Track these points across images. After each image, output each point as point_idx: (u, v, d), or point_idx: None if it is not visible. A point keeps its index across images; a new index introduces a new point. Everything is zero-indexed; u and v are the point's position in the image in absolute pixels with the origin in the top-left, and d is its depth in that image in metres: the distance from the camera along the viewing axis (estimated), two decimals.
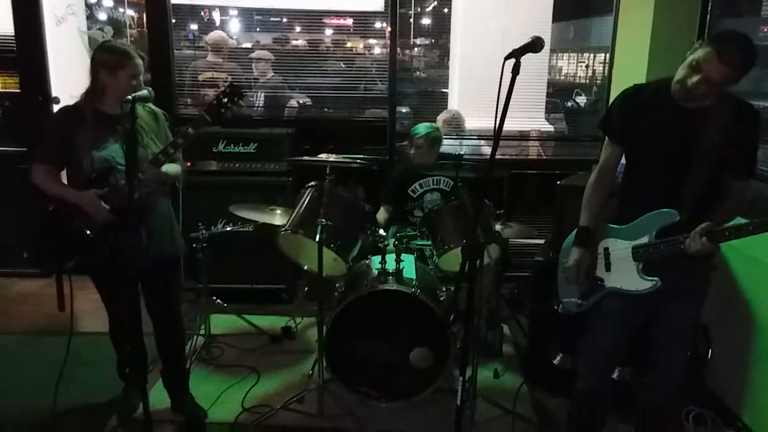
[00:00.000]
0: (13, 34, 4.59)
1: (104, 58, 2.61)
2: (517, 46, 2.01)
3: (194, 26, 5.25)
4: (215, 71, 4.97)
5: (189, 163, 2.84)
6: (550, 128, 5.35)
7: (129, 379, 3.07)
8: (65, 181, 2.71)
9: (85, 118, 2.61)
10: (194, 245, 3.54)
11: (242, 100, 2.59)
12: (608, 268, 2.46)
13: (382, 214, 3.93)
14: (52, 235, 2.64)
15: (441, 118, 4.89)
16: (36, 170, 2.65)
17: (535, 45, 2.02)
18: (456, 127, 4.92)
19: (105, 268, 2.64)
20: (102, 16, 5.87)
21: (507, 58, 1.98)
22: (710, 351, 3.08)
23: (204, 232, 3.61)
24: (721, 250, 3.04)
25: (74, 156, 2.60)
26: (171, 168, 2.76)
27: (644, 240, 2.33)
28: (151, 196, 2.69)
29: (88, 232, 2.58)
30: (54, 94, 4.70)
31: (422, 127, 3.93)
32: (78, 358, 2.88)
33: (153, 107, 2.82)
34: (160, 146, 2.67)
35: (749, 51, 2.09)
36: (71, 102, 2.75)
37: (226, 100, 2.53)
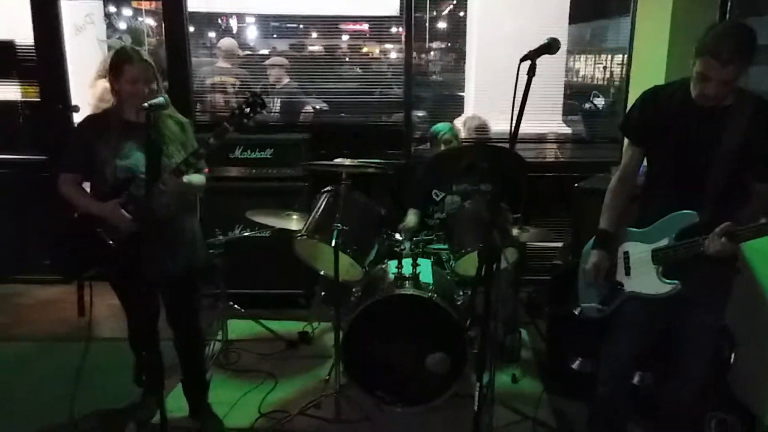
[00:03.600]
0: (32, 44, 4.66)
1: (110, 64, 2.63)
2: (532, 48, 2.00)
3: (212, 34, 5.30)
4: (224, 76, 5.01)
5: (207, 169, 2.85)
6: (568, 130, 5.30)
7: (146, 385, 3.08)
8: (89, 189, 2.72)
9: (109, 125, 2.63)
10: (211, 251, 3.55)
11: (264, 110, 2.59)
12: (628, 273, 2.43)
13: (412, 219, 3.81)
14: (75, 243, 2.66)
15: (468, 124, 4.91)
16: (62, 180, 2.67)
17: (550, 46, 2.00)
18: (483, 133, 4.92)
19: (126, 277, 2.65)
20: (121, 25, 5.94)
21: (522, 60, 1.97)
22: (733, 355, 3.01)
23: (221, 237, 3.63)
24: (745, 254, 2.99)
25: (97, 164, 2.61)
26: (195, 178, 2.75)
27: (664, 242, 2.30)
28: (173, 206, 2.68)
29: (110, 242, 2.60)
30: (73, 102, 4.76)
31: (442, 125, 3.94)
32: (97, 363, 2.89)
33: (179, 116, 2.82)
34: (184, 155, 2.67)
35: (742, 37, 2.06)
36: (90, 111, 2.78)
37: (248, 109, 2.53)
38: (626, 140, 2.51)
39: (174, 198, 2.64)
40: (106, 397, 3.25)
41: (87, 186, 2.73)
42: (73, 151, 2.68)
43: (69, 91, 4.75)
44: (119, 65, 2.58)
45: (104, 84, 2.67)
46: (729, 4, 3.77)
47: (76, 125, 3.00)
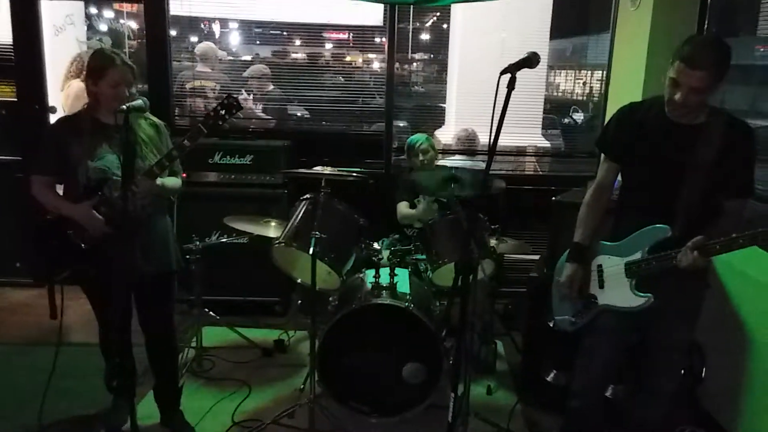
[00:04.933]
0: (11, 43, 4.59)
1: (90, 65, 2.61)
2: (516, 62, 2.03)
3: (194, 38, 5.27)
4: (203, 80, 4.99)
5: (185, 174, 2.83)
6: (547, 144, 5.36)
7: (117, 391, 3.03)
8: (61, 191, 2.69)
9: (83, 127, 2.60)
10: (188, 256, 3.52)
11: (240, 112, 2.58)
12: (601, 285, 2.46)
13: (404, 208, 3.94)
14: (47, 245, 2.63)
15: (458, 135, 4.96)
16: (35, 182, 2.64)
17: (530, 61, 2.04)
18: (472, 144, 4.96)
19: (98, 280, 2.62)
20: (101, 27, 5.89)
21: (503, 73, 1.99)
22: (703, 369, 3.06)
23: (198, 243, 3.59)
24: (715, 268, 3.03)
25: (70, 166, 2.58)
26: (169, 181, 2.74)
27: (637, 256, 2.33)
28: (146, 208, 2.66)
29: (82, 244, 2.57)
30: (51, 103, 4.70)
31: (419, 136, 4.04)
32: (68, 368, 2.85)
33: (154, 119, 2.80)
34: (159, 158, 2.64)
35: (716, 48, 2.12)
36: (63, 112, 2.75)
37: (223, 111, 2.52)
38: (602, 155, 2.55)
39: (147, 200, 2.63)
40: (77, 403, 3.20)
41: (60, 188, 2.70)
42: (46, 153, 2.65)
43: (46, 91, 4.68)
44: (101, 68, 2.56)
45: (78, 85, 2.64)
46: (707, 23, 3.84)
47: (49, 127, 2.96)
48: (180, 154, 2.57)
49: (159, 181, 2.61)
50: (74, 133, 2.60)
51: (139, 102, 2.44)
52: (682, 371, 2.57)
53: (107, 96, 2.56)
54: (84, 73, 2.68)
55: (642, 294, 2.32)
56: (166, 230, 2.86)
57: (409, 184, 3.92)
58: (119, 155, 2.55)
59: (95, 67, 2.58)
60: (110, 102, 2.55)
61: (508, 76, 1.98)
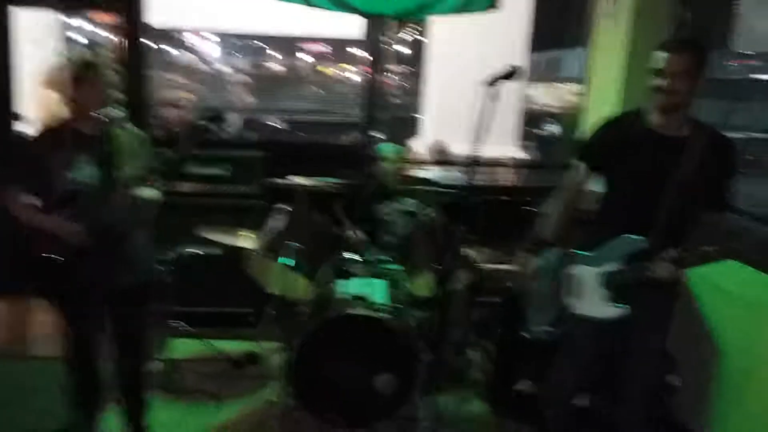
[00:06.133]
0: None
1: (66, 74, 2.57)
2: (494, 74, 2.04)
3: (172, 49, 5.26)
4: (183, 91, 4.96)
5: (158, 182, 2.79)
6: (523, 155, 5.40)
7: (83, 407, 2.96)
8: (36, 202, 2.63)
9: (60, 137, 2.55)
10: (160, 267, 3.46)
11: (222, 125, 2.57)
12: (577, 295, 2.45)
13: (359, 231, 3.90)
14: (13, 257, 2.57)
15: (430, 148, 4.96)
16: (9, 193, 2.57)
17: (512, 74, 2.06)
18: (442, 154, 4.98)
19: (69, 292, 2.56)
20: (79, 38, 5.85)
21: (485, 85, 2.01)
22: (676, 379, 3.06)
23: (171, 253, 3.54)
24: (688, 280, 3.05)
25: (46, 176, 2.52)
26: (147, 192, 2.69)
27: (612, 266, 2.33)
28: (123, 219, 2.61)
29: (55, 256, 2.51)
30: (17, 111, 4.59)
31: (385, 145, 4.00)
32: (31, 383, 2.77)
33: (135, 130, 2.77)
34: (139, 169, 2.61)
35: (692, 38, 2.28)
36: (37, 122, 2.71)
37: (208, 126, 2.50)
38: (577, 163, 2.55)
39: (125, 212, 2.59)
40: (40, 419, 3.10)
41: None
42: (21, 164, 2.60)
43: (10, 97, 4.58)
44: (75, 76, 2.52)
45: (51, 94, 2.60)
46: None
47: (26, 137, 2.92)
48: (160, 167, 2.53)
49: (137, 192, 2.57)
50: (51, 142, 2.55)
51: (118, 112, 2.41)
52: (656, 382, 2.56)
53: (82, 104, 2.53)
54: (60, 82, 2.64)
55: (617, 305, 2.32)
56: (143, 243, 2.81)
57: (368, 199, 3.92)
58: (97, 166, 2.52)
59: (70, 76, 2.54)
60: (85, 110, 2.52)
61: (488, 87, 2.00)
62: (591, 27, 4.57)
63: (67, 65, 2.61)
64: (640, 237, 2.26)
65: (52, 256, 2.51)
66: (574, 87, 5.19)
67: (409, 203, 3.90)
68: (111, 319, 2.77)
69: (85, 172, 2.54)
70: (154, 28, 4.72)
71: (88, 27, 5.93)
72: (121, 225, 2.59)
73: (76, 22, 5.72)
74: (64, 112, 2.64)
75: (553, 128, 5.78)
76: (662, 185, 2.24)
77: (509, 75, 2.07)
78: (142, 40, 4.56)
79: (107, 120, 2.29)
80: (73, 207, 2.51)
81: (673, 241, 2.20)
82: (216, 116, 2.51)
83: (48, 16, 5.20)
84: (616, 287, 2.32)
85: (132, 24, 4.56)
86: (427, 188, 3.75)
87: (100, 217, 2.31)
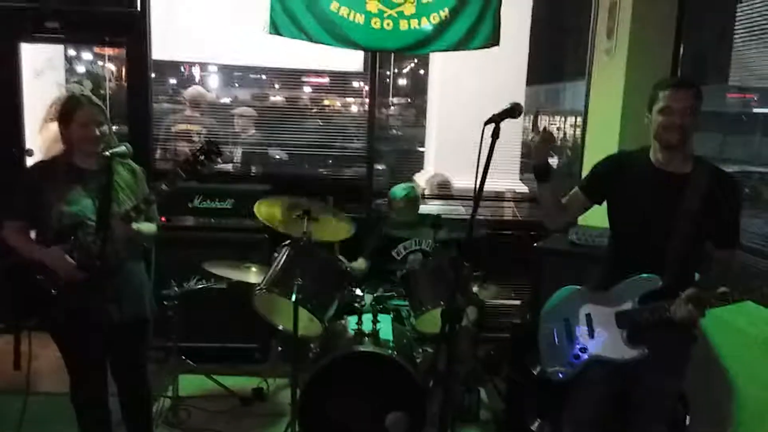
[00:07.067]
0: None
1: (59, 110, 2.60)
2: (495, 111, 2.06)
3: (173, 81, 5.29)
4: (190, 123, 4.98)
5: (164, 218, 2.79)
6: (525, 189, 5.42)
7: None
8: (34, 236, 2.64)
9: (57, 171, 2.57)
10: (165, 302, 3.44)
11: (219, 157, 2.58)
12: (591, 335, 2.43)
13: (361, 264, 3.94)
14: (14, 291, 2.56)
15: (431, 182, 4.98)
16: (7, 226, 2.59)
17: (513, 111, 2.07)
18: (445, 190, 4.99)
19: (69, 327, 2.55)
20: (81, 69, 5.88)
21: (487, 123, 2.02)
22: (687, 418, 3.04)
23: (176, 288, 3.53)
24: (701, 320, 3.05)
25: (43, 210, 2.54)
26: (144, 226, 2.70)
27: (627, 306, 2.32)
28: (120, 253, 2.61)
29: (52, 290, 2.50)
30: (29, 146, 4.63)
31: (399, 190, 4.00)
32: (36, 419, 2.73)
33: (132, 164, 2.78)
34: (136, 203, 2.61)
35: (687, 78, 2.36)
36: (40, 155, 2.73)
37: (202, 156, 2.51)
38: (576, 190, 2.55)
39: (122, 245, 2.59)
40: None
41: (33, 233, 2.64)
42: (19, 197, 2.61)
43: (23, 134, 4.62)
44: (69, 111, 2.55)
45: (56, 128, 2.63)
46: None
47: (23, 171, 2.92)
48: (157, 199, 2.54)
49: (134, 226, 2.57)
50: (49, 177, 2.57)
51: (122, 148, 2.43)
52: (667, 422, 2.54)
53: (78, 138, 2.54)
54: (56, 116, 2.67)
55: (635, 347, 2.30)
56: (140, 277, 2.80)
57: (378, 238, 3.97)
58: (94, 199, 2.53)
59: (64, 111, 2.57)
60: (82, 144, 2.54)
61: (491, 125, 2.01)
62: (590, 60, 4.63)
63: (63, 103, 2.64)
64: (655, 275, 2.26)
65: (46, 287, 2.50)
66: (575, 120, 5.23)
67: (415, 239, 3.92)
68: (111, 356, 2.76)
69: (81, 205, 2.55)
70: (158, 62, 4.75)
71: (90, 59, 5.97)
72: (117, 258, 2.59)
73: (78, 54, 5.76)
74: (60, 146, 2.66)
75: (553, 161, 5.83)
76: (668, 221, 2.26)
77: (513, 113, 2.08)
78: (145, 72, 4.60)
79: (114, 155, 2.29)
80: (71, 240, 2.51)
81: (685, 278, 2.21)
82: (211, 149, 2.52)
83: (52, 48, 5.25)
84: (632, 327, 2.31)
85: (136, 57, 4.60)
86: (432, 223, 3.76)
87: (96, 250, 2.29)
